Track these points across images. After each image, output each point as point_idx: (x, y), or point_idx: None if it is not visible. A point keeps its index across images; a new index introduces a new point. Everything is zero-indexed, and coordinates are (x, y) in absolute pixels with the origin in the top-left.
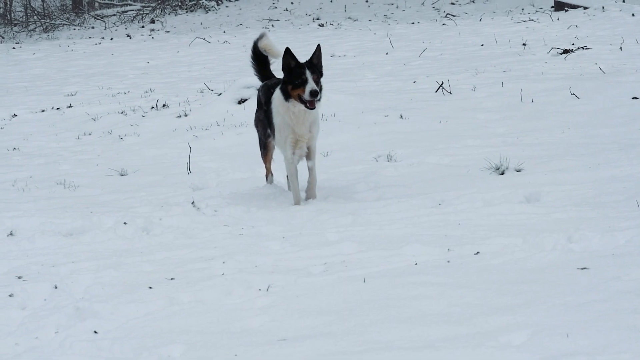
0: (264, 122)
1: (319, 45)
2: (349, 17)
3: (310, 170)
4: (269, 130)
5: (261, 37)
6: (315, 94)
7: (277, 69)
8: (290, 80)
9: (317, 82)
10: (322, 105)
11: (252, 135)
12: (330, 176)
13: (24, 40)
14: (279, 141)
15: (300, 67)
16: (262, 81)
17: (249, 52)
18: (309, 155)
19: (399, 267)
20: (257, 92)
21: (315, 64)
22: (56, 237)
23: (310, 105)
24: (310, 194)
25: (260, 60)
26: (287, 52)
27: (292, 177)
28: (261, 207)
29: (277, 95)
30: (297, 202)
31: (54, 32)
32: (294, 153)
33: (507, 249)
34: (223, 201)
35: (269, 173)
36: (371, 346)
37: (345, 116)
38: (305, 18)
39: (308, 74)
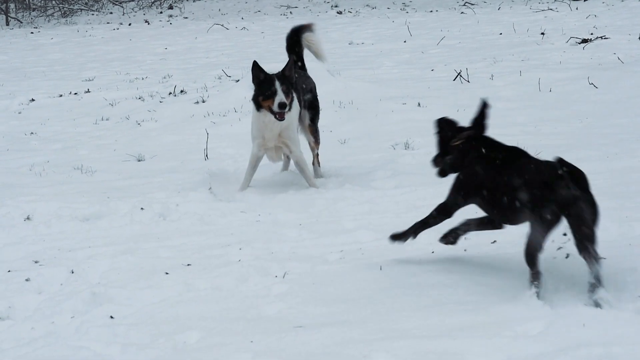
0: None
1: (291, 58)
2: (367, 5)
3: (297, 163)
4: None
5: (309, 28)
6: (283, 106)
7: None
8: (260, 91)
9: (287, 93)
10: (339, 93)
11: None
12: (347, 164)
13: (42, 25)
14: (252, 137)
15: (270, 79)
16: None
17: (288, 33)
18: (289, 150)
19: (415, 255)
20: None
21: (287, 75)
22: (73, 222)
23: (280, 116)
24: (309, 183)
25: (293, 47)
26: (255, 65)
27: (249, 166)
28: (278, 193)
29: (252, 98)
30: (241, 189)
31: (72, 17)
32: (259, 151)
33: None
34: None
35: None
36: (388, 334)
37: (362, 104)
38: (323, 5)
39: (277, 85)
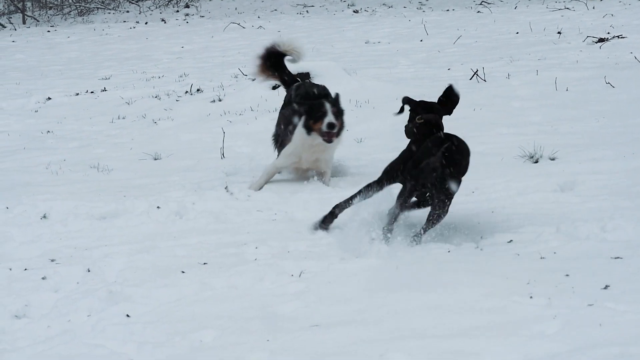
0: (288, 119)
1: (337, 94)
2: (383, 4)
3: (324, 182)
4: (290, 128)
5: (274, 46)
6: (332, 126)
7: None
8: (310, 115)
9: (337, 117)
10: (355, 92)
11: None
12: (363, 163)
13: (59, 24)
14: (285, 153)
15: (320, 102)
16: (285, 83)
17: (257, 67)
18: (322, 173)
19: (432, 254)
20: (289, 90)
21: (337, 104)
22: (89, 220)
23: (328, 138)
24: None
25: (276, 65)
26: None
27: (267, 175)
28: (294, 192)
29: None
30: (254, 188)
31: (89, 16)
32: (285, 167)
33: (541, 238)
34: (256, 186)
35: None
36: (403, 333)
37: (378, 103)
38: (339, 4)
39: (327, 107)
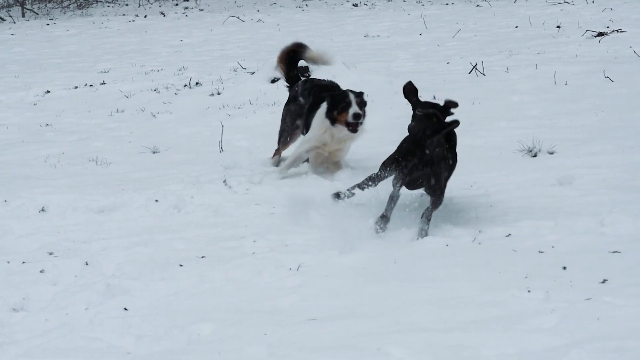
0: (295, 115)
1: (362, 92)
2: None
3: (337, 168)
4: (298, 122)
5: (303, 50)
6: (357, 116)
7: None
8: (335, 105)
9: (361, 107)
10: (354, 85)
11: None
12: (362, 157)
13: (58, 17)
14: (307, 138)
15: (344, 93)
16: (289, 80)
17: (279, 56)
18: (339, 159)
19: (430, 247)
20: (295, 86)
21: (361, 96)
22: (88, 213)
23: (353, 128)
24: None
25: (290, 64)
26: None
27: (295, 157)
28: (293, 186)
29: (324, 110)
30: (279, 169)
31: (88, 9)
32: (307, 153)
33: (539, 232)
34: (255, 179)
35: (278, 156)
36: (402, 327)
37: (377, 96)
38: None
39: (352, 97)
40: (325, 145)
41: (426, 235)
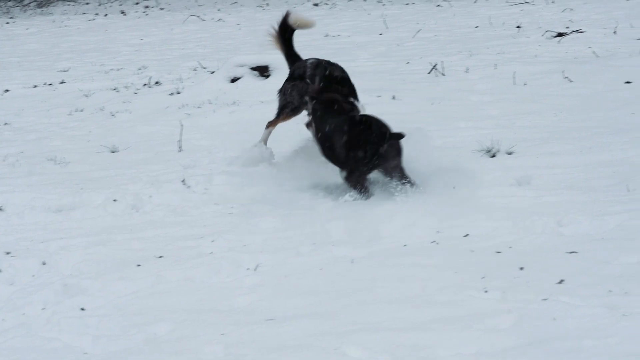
0: (302, 92)
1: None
2: None
3: None
4: (306, 99)
5: (287, 14)
6: None
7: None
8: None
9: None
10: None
11: (245, 114)
12: (322, 157)
13: (18, 16)
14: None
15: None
16: (289, 58)
17: (275, 30)
18: None
19: (387, 248)
20: (301, 65)
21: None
22: (46, 213)
23: None
24: None
25: (285, 38)
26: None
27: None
28: (251, 186)
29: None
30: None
31: (48, 8)
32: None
33: (497, 232)
34: (214, 179)
35: (273, 127)
36: (359, 327)
37: None
38: None
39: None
40: None
41: None
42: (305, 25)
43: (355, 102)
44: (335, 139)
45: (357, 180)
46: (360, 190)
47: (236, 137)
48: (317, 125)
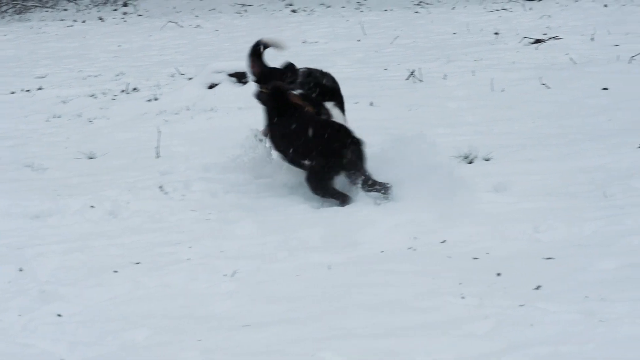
0: None
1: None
2: (321, 4)
3: None
4: None
5: (259, 43)
6: None
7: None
8: None
9: None
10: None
11: (222, 120)
12: None
13: None
14: None
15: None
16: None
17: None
18: None
19: (364, 254)
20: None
21: None
22: (23, 219)
23: None
24: None
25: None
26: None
27: None
28: (229, 192)
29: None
30: None
31: (26, 14)
32: None
33: (474, 238)
34: (191, 186)
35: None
36: (335, 333)
37: None
38: (278, 4)
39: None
40: None
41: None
42: (280, 47)
43: (329, 106)
44: (292, 135)
45: (317, 184)
46: (323, 195)
47: (214, 144)
48: (269, 119)
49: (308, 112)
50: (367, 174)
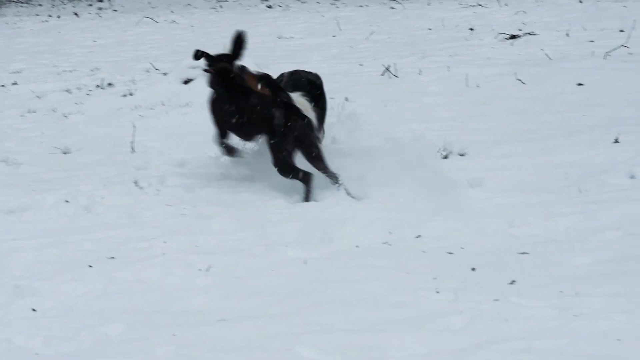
0: None
1: None
2: None
3: None
4: None
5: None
6: None
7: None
8: None
9: None
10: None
11: (197, 116)
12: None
13: None
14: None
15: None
16: None
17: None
18: None
19: (340, 249)
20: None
21: None
22: None
23: None
24: None
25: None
26: None
27: None
28: (204, 187)
29: None
30: None
31: (1, 9)
32: None
33: (449, 233)
34: (166, 181)
35: None
36: (311, 328)
37: None
38: None
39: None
40: None
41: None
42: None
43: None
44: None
45: (281, 164)
46: (290, 173)
47: (189, 139)
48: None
49: (258, 92)
50: (320, 154)
